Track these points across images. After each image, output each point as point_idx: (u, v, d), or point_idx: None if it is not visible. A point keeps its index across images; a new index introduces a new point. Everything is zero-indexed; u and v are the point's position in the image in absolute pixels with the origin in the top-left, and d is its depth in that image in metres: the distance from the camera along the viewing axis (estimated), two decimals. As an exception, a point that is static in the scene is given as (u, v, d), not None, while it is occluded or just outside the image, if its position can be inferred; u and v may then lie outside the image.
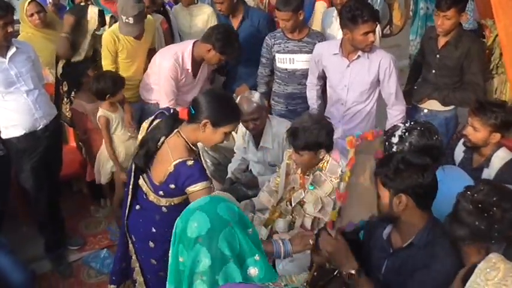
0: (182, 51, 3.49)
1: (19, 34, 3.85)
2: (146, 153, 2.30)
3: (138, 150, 2.35)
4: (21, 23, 3.90)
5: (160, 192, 2.31)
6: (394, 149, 2.30)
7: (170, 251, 1.55)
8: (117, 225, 3.88)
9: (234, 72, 4.11)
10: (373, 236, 2.26)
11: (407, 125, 2.33)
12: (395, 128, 2.38)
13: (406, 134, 2.29)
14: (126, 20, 3.42)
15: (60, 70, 3.80)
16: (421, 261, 1.95)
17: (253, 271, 1.47)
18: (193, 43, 3.50)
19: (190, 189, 2.17)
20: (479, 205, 1.75)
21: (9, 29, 2.97)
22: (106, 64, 3.68)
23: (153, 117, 2.43)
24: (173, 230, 1.54)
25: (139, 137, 2.41)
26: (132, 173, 2.45)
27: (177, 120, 2.32)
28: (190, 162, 2.18)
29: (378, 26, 3.37)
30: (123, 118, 3.66)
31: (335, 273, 2.35)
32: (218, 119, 2.20)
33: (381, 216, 2.08)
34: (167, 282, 1.57)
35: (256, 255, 1.48)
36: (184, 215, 1.53)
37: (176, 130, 2.28)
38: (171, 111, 2.41)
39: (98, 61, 3.79)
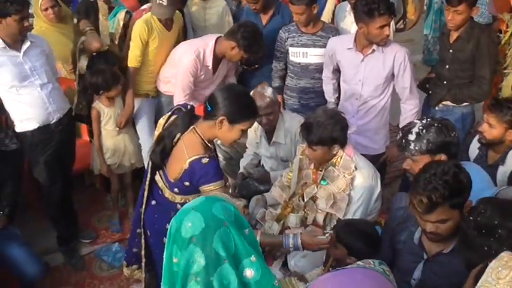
0: (204, 47, 3.46)
1: (33, 28, 3.86)
2: (163, 150, 2.28)
3: (154, 147, 2.34)
4: (35, 17, 3.90)
5: (176, 190, 2.31)
6: (411, 147, 2.27)
7: (164, 252, 1.51)
8: (118, 217, 3.95)
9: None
10: (397, 239, 2.23)
11: (423, 121, 2.30)
12: (411, 124, 2.35)
13: (424, 131, 2.25)
14: (160, 1, 3.37)
15: (84, 64, 3.77)
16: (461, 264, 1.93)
17: (249, 272, 1.44)
18: (216, 39, 3.47)
19: (205, 188, 2.17)
20: (484, 230, 1.71)
21: (25, 24, 2.98)
22: (135, 55, 3.58)
23: (169, 113, 2.41)
24: (168, 230, 1.51)
25: (156, 133, 2.39)
26: (149, 169, 2.44)
27: (194, 116, 2.30)
28: (205, 160, 2.16)
29: (392, 20, 3.34)
30: (118, 113, 3.66)
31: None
32: (235, 116, 2.18)
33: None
34: (161, 284, 1.54)
35: (253, 256, 1.44)
36: (179, 214, 1.50)
37: (192, 127, 2.26)
38: (188, 107, 2.39)
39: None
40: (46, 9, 3.71)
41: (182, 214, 1.48)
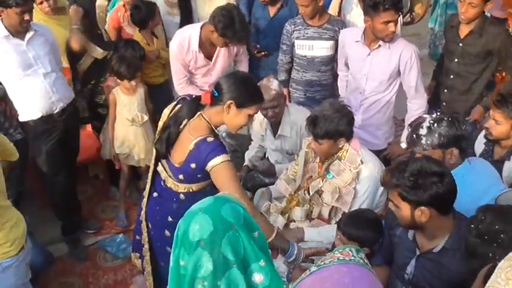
0: (190, 33, 3.40)
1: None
2: (168, 138, 2.29)
3: (160, 135, 2.34)
4: (34, 9, 3.85)
5: (180, 176, 2.31)
6: (422, 141, 2.26)
7: (171, 254, 1.49)
8: (124, 210, 3.91)
9: (263, 59, 4.04)
10: (393, 233, 2.23)
11: (433, 115, 2.28)
12: (420, 119, 2.33)
13: (435, 125, 2.24)
14: None
15: (86, 65, 3.74)
16: (455, 266, 1.95)
17: (258, 277, 1.41)
18: (202, 25, 3.41)
19: (212, 163, 2.17)
20: (486, 237, 1.72)
21: (26, 17, 2.97)
22: None
23: (174, 103, 2.42)
24: (175, 232, 1.48)
25: (160, 123, 2.40)
26: (153, 160, 2.44)
27: (199, 104, 2.32)
28: (210, 139, 2.19)
29: (399, 16, 3.29)
30: (136, 103, 3.64)
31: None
32: (243, 100, 2.20)
33: (403, 227, 2.05)
34: (167, 287, 1.52)
35: (262, 260, 1.41)
36: (187, 216, 1.46)
37: (199, 113, 2.28)
38: (193, 97, 2.41)
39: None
40: (41, 2, 3.64)
41: (190, 216, 1.45)
